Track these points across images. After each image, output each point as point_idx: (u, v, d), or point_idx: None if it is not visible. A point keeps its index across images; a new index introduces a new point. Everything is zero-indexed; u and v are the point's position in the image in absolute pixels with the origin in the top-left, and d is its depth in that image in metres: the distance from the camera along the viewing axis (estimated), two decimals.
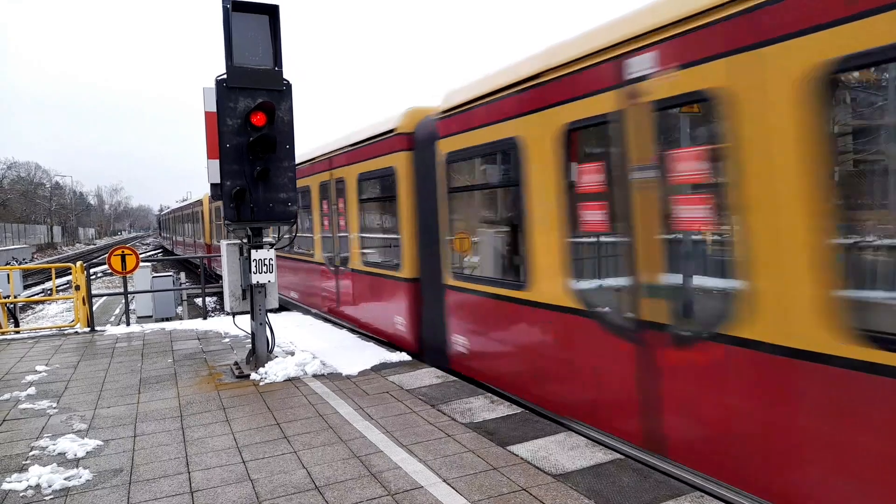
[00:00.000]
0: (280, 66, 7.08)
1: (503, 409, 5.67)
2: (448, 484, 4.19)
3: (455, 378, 6.79)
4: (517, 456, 4.61)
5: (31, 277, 33.04)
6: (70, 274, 11.68)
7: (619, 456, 4.52)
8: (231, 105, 6.89)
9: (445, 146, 7.11)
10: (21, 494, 4.30)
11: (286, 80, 7.17)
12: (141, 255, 12.10)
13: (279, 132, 7.07)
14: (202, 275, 13.71)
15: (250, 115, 6.82)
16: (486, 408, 5.75)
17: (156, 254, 59.75)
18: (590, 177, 4.95)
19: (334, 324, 10.69)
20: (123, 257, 11.31)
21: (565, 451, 4.66)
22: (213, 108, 6.97)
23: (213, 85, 6.95)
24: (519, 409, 5.65)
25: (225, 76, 6.87)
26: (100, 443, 5.22)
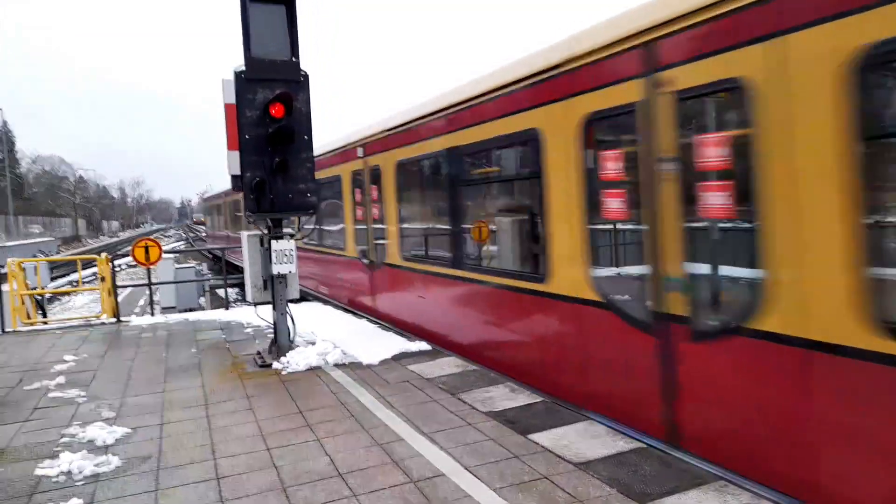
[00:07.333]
0: (297, 56, 7.11)
1: (523, 398, 5.68)
2: (470, 472, 4.22)
3: (475, 367, 6.82)
4: (538, 444, 4.62)
5: (58, 269, 33.68)
6: (95, 266, 11.89)
7: (640, 445, 4.51)
8: (250, 97, 6.94)
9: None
10: (53, 480, 4.42)
11: (303, 71, 7.20)
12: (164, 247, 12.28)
13: (297, 123, 7.11)
14: (223, 266, 13.88)
15: (269, 106, 6.86)
16: (505, 396, 5.77)
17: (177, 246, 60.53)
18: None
19: (354, 314, 10.76)
20: (147, 249, 11.48)
21: (586, 439, 4.66)
22: (233, 100, 7.03)
23: (231, 77, 7.00)
24: (539, 399, 5.65)
25: (244, 68, 6.91)
26: (128, 430, 5.33)
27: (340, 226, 11.81)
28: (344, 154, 11.15)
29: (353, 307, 11.21)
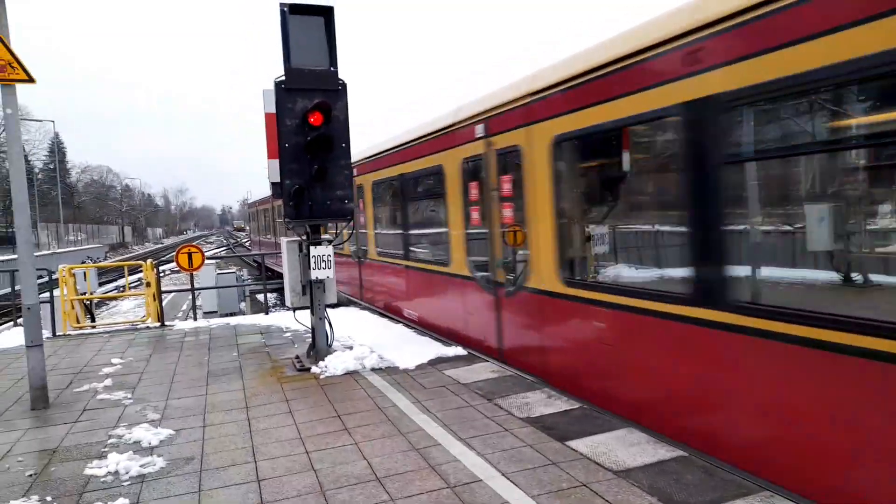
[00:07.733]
0: (336, 66, 7.21)
1: (561, 404, 5.63)
2: (507, 478, 4.20)
3: (512, 372, 6.78)
4: (576, 451, 4.57)
5: (105, 275, 34.81)
6: (141, 271, 12.24)
7: (682, 453, 4.41)
8: (289, 106, 7.07)
9: None
10: (101, 480, 4.56)
11: (341, 80, 7.30)
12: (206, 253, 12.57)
13: (335, 131, 7.21)
14: (263, 271, 14.15)
15: (307, 115, 6.98)
16: (543, 402, 5.72)
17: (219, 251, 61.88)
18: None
19: (390, 318, 10.82)
20: (190, 255, 11.78)
21: (626, 447, 4.59)
22: (273, 110, 7.18)
23: (271, 87, 7.15)
24: (577, 405, 5.59)
25: (283, 78, 7.05)
26: (172, 432, 5.47)
27: (439, 232, 9.11)
28: (448, 137, 8.53)
29: (463, 343, 8.35)
